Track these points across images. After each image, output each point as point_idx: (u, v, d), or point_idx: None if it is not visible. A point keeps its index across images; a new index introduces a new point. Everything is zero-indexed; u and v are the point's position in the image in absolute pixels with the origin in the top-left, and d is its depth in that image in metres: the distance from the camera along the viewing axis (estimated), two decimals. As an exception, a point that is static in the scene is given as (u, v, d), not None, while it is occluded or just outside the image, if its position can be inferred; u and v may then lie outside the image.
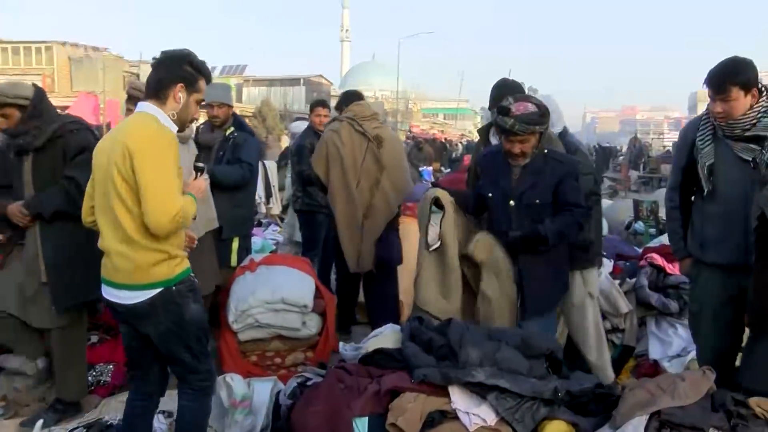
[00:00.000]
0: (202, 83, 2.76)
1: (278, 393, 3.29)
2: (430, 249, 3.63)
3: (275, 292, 4.23)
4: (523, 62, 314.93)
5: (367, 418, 2.63)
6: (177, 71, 2.70)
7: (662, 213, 7.33)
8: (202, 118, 4.70)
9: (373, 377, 2.83)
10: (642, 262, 4.98)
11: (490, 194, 3.63)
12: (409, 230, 4.99)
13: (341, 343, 3.40)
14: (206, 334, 2.81)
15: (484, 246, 3.51)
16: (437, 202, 3.67)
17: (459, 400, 2.73)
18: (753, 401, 2.62)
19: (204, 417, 2.88)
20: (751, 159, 3.03)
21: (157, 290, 2.58)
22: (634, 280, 4.74)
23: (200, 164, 2.95)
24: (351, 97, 4.95)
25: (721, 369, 3.02)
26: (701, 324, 3.35)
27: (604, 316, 4.31)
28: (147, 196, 2.46)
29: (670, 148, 23.61)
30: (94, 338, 4.19)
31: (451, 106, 62.77)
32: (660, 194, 8.08)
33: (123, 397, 3.84)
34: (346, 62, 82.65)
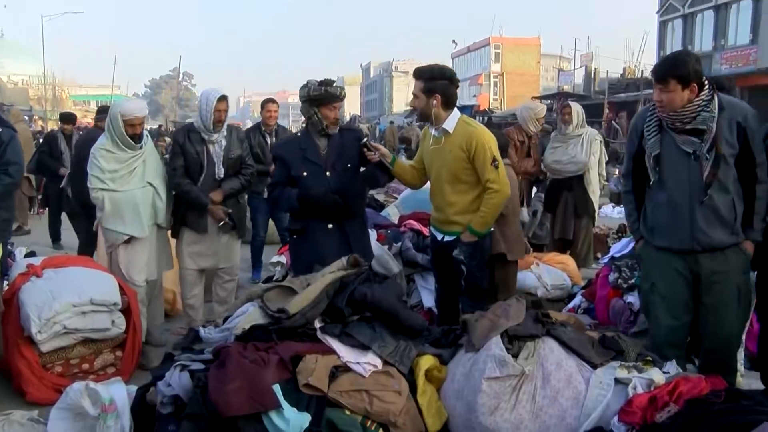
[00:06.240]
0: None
1: (140, 390, 3.17)
2: None
3: (82, 294, 3.95)
4: (189, 48, 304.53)
5: (278, 385, 2.80)
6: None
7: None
8: None
9: (266, 350, 2.98)
10: (402, 229, 5.78)
11: (305, 173, 4.01)
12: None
13: (201, 328, 3.40)
14: None
15: None
16: None
17: (346, 354, 3.06)
18: (551, 314, 3.48)
19: None
20: (692, 152, 3.18)
21: None
22: (399, 244, 5.48)
23: None
24: None
25: (673, 346, 3.32)
26: (653, 302, 3.44)
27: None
28: None
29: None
30: None
31: (105, 93, 58.24)
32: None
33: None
34: (-37, 39, 69.91)
